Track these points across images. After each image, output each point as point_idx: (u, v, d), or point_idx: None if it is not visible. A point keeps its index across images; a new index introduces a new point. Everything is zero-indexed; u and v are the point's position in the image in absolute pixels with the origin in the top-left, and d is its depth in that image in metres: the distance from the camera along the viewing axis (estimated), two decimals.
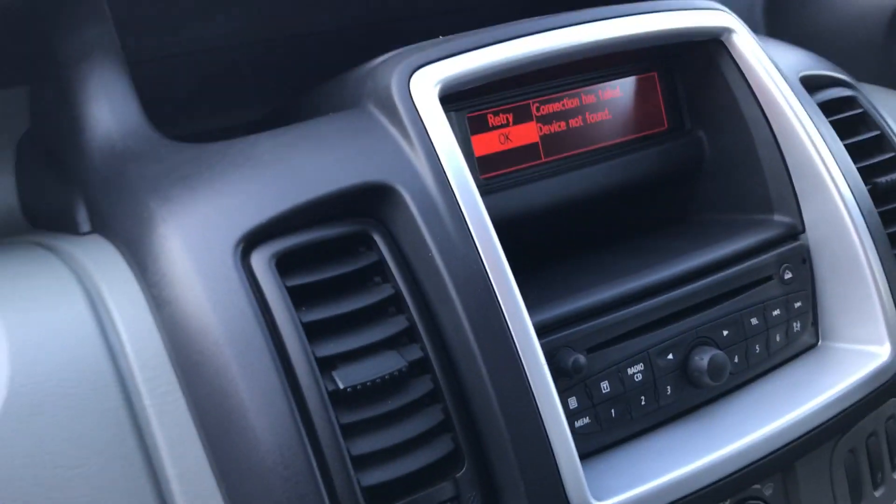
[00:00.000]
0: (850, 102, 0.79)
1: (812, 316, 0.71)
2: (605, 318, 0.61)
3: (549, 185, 0.70)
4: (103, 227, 0.61)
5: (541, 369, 0.54)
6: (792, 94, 0.71)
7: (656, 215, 0.80)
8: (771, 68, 0.71)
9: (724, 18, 0.72)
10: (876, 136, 0.79)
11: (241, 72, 0.84)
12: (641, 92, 0.75)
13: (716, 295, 0.66)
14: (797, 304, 0.70)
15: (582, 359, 0.58)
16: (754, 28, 0.98)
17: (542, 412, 0.53)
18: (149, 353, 0.53)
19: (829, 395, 0.65)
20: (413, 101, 0.57)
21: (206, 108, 0.83)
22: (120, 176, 0.60)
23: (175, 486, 0.51)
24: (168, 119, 0.72)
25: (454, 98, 0.63)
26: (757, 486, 0.67)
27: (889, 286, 0.69)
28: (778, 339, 0.69)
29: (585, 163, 0.71)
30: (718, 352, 0.63)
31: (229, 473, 0.51)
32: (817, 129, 0.70)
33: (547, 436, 0.53)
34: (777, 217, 0.72)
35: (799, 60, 0.80)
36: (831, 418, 0.65)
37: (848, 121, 0.78)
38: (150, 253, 0.54)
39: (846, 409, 0.65)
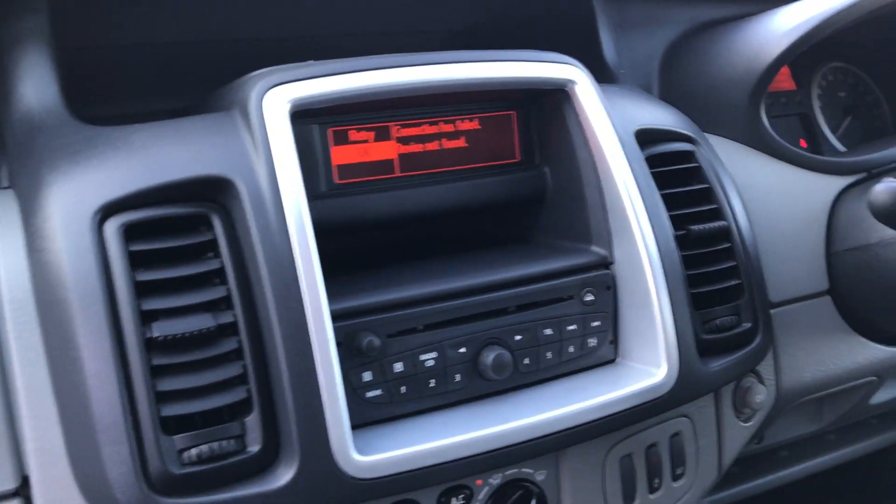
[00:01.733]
0: (685, 156, 0.91)
1: (612, 335, 0.83)
2: (407, 312, 0.73)
3: (401, 196, 0.82)
4: (15, 184, 0.75)
5: (326, 344, 0.66)
6: (617, 143, 0.82)
7: (505, 234, 0.92)
8: (603, 118, 0.83)
9: (570, 71, 0.84)
10: (703, 188, 0.90)
11: (169, 66, 0.97)
12: (499, 127, 0.87)
13: (514, 305, 0.78)
14: (595, 324, 0.82)
15: (376, 341, 0.71)
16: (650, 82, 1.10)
17: (320, 379, 0.66)
18: (18, 289, 0.67)
19: (599, 400, 0.76)
20: (263, 113, 0.70)
21: (135, 94, 0.97)
22: (30, 145, 0.73)
23: (22, 399, 0.65)
24: (96, 100, 0.86)
25: (320, 112, 0.76)
26: (529, 471, 0.79)
27: (674, 320, 0.80)
28: (571, 349, 0.81)
29: (438, 181, 0.84)
30: (504, 351, 0.75)
31: (61, 392, 0.64)
32: (634, 177, 0.82)
33: (321, 398, 0.66)
34: (594, 248, 0.84)
35: (647, 115, 0.91)
36: (598, 419, 0.76)
37: (679, 172, 0.89)
38: (33, 209, 0.68)
39: (614, 415, 0.77)
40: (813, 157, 1.04)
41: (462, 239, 0.91)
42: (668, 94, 1.10)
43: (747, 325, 0.88)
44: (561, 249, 0.86)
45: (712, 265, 0.87)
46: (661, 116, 0.93)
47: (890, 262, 0.95)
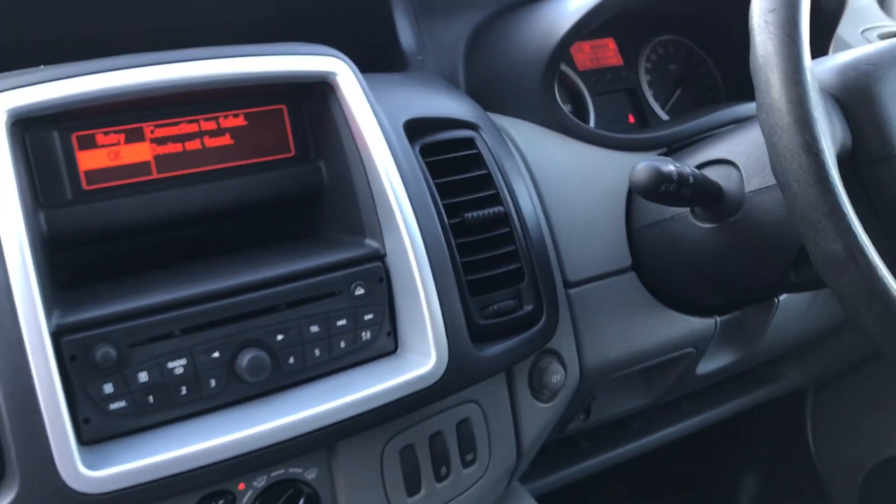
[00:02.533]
0: (464, 143, 0.90)
1: (389, 327, 0.83)
2: (150, 319, 0.71)
3: (161, 198, 0.80)
4: None
5: (46, 360, 0.65)
6: (380, 135, 0.81)
7: (291, 231, 0.91)
8: (366, 110, 0.82)
9: (331, 63, 0.82)
10: (482, 175, 0.89)
11: None
12: (270, 121, 0.85)
13: (274, 305, 0.77)
14: (368, 317, 0.81)
15: (112, 352, 0.69)
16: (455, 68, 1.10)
17: (39, 396, 0.64)
18: None
19: (364, 394, 0.76)
20: None
21: None
22: None
23: None
24: None
25: (59, 118, 0.74)
26: (298, 470, 0.78)
27: (442, 308, 0.80)
28: (343, 345, 0.80)
29: (201, 181, 0.82)
30: (260, 353, 0.74)
31: None
32: (398, 169, 0.81)
33: (41, 415, 0.64)
34: (367, 241, 0.83)
35: (424, 104, 0.91)
36: (363, 413, 0.76)
37: (458, 160, 0.89)
38: None
39: (380, 407, 0.76)
40: (610, 136, 1.04)
41: (242, 238, 0.90)
42: (473, 79, 1.09)
43: (528, 307, 0.88)
44: (338, 244, 0.85)
45: (490, 251, 0.87)
46: (441, 104, 0.93)
47: (682, 235, 0.96)
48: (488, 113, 1.04)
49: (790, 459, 1.82)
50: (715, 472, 1.87)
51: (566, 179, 1.01)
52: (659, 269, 1.02)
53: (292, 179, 0.86)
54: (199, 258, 0.83)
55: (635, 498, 1.84)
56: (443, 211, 0.85)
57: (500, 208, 0.88)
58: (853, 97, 0.75)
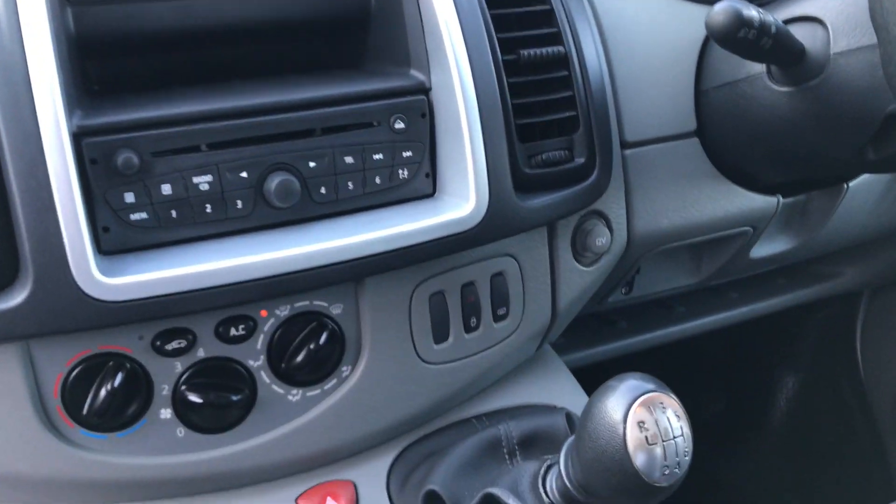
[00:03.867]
0: None
1: (429, 168, 0.78)
2: (177, 129, 0.67)
3: (195, 5, 0.75)
4: None
5: (63, 158, 0.61)
6: None
7: (334, 60, 0.85)
8: None
9: None
10: (544, 10, 0.82)
11: None
12: None
13: (308, 129, 0.72)
14: (407, 154, 0.76)
15: (134, 158, 0.66)
16: None
17: (55, 195, 0.61)
18: None
19: (397, 230, 0.72)
20: None
21: None
22: None
23: None
24: None
25: None
26: (322, 303, 0.75)
27: (486, 151, 0.74)
28: (378, 181, 0.75)
29: None
30: (290, 177, 0.70)
31: None
32: None
33: (56, 215, 0.61)
34: (412, 72, 0.77)
35: None
36: (394, 250, 0.72)
37: None
38: None
39: (418, 245, 0.72)
40: None
41: (281, 63, 0.84)
42: None
43: (580, 160, 0.82)
44: (381, 74, 0.79)
45: (544, 94, 0.80)
46: None
47: (755, 98, 0.88)
48: None
49: (834, 363, 1.77)
50: (754, 367, 1.82)
51: (636, 30, 0.92)
52: (725, 137, 0.94)
53: (337, 1, 0.80)
54: (235, 78, 0.79)
55: (669, 383, 1.82)
56: (497, 46, 0.78)
57: (560, 48, 0.81)
58: None
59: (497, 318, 0.84)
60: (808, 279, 1.47)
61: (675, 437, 0.57)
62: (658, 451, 0.56)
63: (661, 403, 0.58)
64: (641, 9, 0.93)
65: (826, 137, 0.86)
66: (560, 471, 0.65)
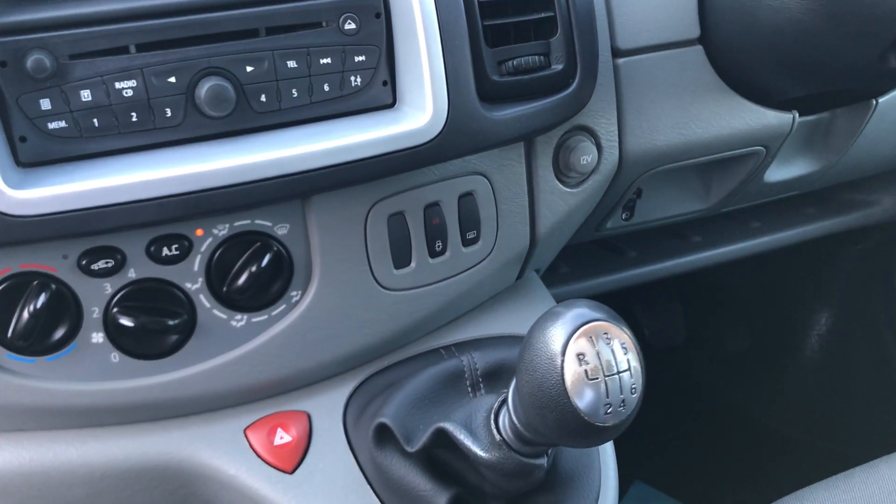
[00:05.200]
0: None
1: (387, 75, 0.70)
2: (97, 29, 0.61)
3: None
4: None
5: None
6: None
7: None
8: None
9: None
10: None
11: None
12: None
13: (241, 29, 0.65)
14: (359, 58, 0.69)
15: (47, 61, 0.60)
16: None
17: None
18: None
19: (341, 143, 0.65)
20: None
21: None
22: None
23: None
24: None
25: None
26: (266, 223, 0.69)
27: (444, 55, 0.67)
28: (327, 88, 0.68)
29: None
30: (223, 82, 0.64)
31: None
32: None
33: None
34: None
35: None
36: (346, 163, 0.65)
37: None
38: None
39: (367, 159, 0.66)
40: None
41: None
42: None
43: (557, 67, 0.74)
44: None
45: None
46: None
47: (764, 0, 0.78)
48: None
49: (870, 299, 1.67)
50: (783, 301, 1.73)
51: None
52: (732, 45, 0.85)
53: None
54: None
55: (688, 316, 1.74)
56: None
57: None
58: None
59: (466, 243, 0.78)
60: (839, 208, 1.36)
61: (619, 372, 0.50)
62: (600, 387, 0.50)
63: (606, 334, 0.51)
64: None
65: (842, 42, 0.77)
66: (508, 406, 0.59)
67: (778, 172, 1.02)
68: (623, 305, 1.55)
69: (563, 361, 0.50)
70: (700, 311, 1.74)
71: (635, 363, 0.51)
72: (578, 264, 1.22)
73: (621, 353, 0.51)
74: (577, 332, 0.50)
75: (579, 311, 0.52)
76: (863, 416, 1.63)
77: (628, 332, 0.52)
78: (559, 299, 1.21)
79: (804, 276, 1.68)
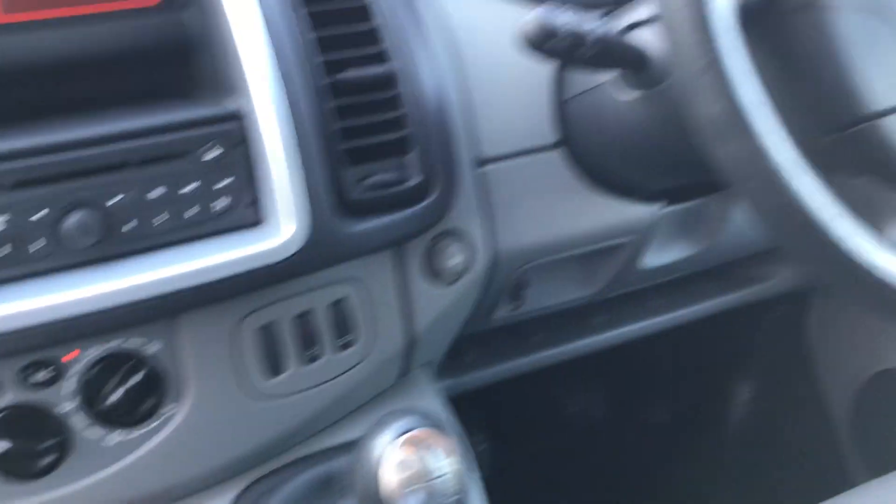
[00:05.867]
0: None
1: (252, 196, 0.75)
2: None
3: (7, 43, 0.73)
4: None
5: None
6: None
7: (158, 91, 0.82)
8: None
9: None
10: (369, 29, 0.79)
11: None
12: None
13: (109, 163, 0.70)
14: (223, 183, 0.74)
15: None
16: None
17: None
18: None
19: (208, 262, 0.69)
20: None
21: None
22: None
23: None
24: None
25: None
26: (138, 342, 0.73)
27: (303, 177, 0.72)
28: (193, 212, 0.73)
29: (54, 27, 0.74)
30: (88, 213, 0.68)
31: None
32: (262, 18, 0.72)
33: None
34: (228, 99, 0.75)
35: None
36: (209, 283, 0.69)
37: (343, 11, 0.79)
38: None
39: (230, 278, 0.70)
40: None
41: (101, 98, 0.82)
42: None
43: (414, 181, 0.79)
44: (196, 102, 0.77)
45: (372, 115, 0.78)
46: None
47: (606, 107, 0.85)
48: None
49: (788, 367, 1.73)
50: (704, 373, 1.78)
51: (491, 40, 0.90)
52: (589, 147, 0.91)
53: (154, 31, 0.78)
54: (47, 115, 0.77)
55: (609, 392, 1.78)
56: (318, 68, 0.76)
57: (386, 67, 0.78)
58: None
59: (341, 347, 0.82)
60: (739, 283, 1.43)
61: (438, 478, 0.54)
62: (419, 494, 0.54)
63: (426, 441, 0.55)
64: (496, 16, 0.91)
65: (681, 143, 0.83)
66: None
67: (657, 258, 1.08)
68: (542, 385, 1.59)
69: (382, 470, 0.53)
70: (623, 385, 1.78)
71: (455, 467, 0.55)
72: (486, 351, 1.26)
73: (440, 460, 0.54)
74: (397, 441, 0.54)
75: (401, 422, 0.56)
76: (786, 485, 1.67)
77: (450, 438, 0.56)
78: (465, 388, 1.25)
79: (723, 348, 1.74)
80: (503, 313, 1.06)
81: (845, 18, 0.61)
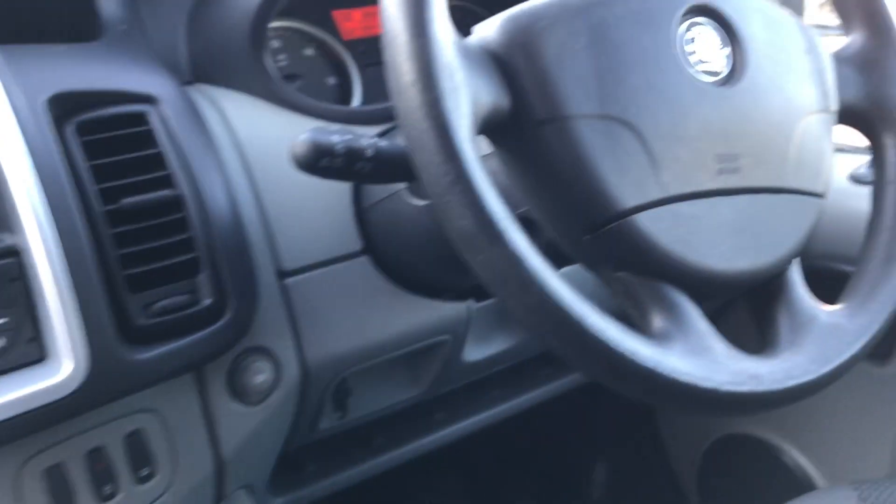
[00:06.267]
0: (133, 119, 0.80)
1: (32, 332, 0.72)
2: None
3: None
4: None
5: None
6: (9, 114, 0.71)
7: None
8: None
9: None
10: (152, 154, 0.80)
11: None
12: None
13: None
14: (1, 321, 0.71)
15: None
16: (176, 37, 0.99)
17: None
18: None
19: None
20: None
21: None
22: None
23: None
24: None
25: None
26: None
27: (81, 309, 0.70)
28: None
29: None
30: None
31: None
32: (28, 151, 0.71)
33: None
34: (2, 234, 0.73)
35: (87, 76, 0.80)
36: None
37: (124, 138, 0.79)
38: None
39: (6, 421, 0.67)
40: (334, 108, 0.95)
41: None
42: (195, 50, 0.99)
43: (206, 302, 0.79)
44: None
45: (156, 240, 0.77)
46: (114, 77, 0.82)
47: (401, 213, 0.88)
48: (204, 85, 0.95)
49: (638, 445, 1.78)
50: (563, 452, 1.81)
51: (284, 156, 0.91)
52: (391, 253, 0.93)
53: None
54: None
55: (472, 480, 1.78)
56: (95, 197, 0.75)
57: (170, 191, 0.78)
58: (514, 54, 0.66)
59: (140, 480, 0.79)
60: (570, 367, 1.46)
61: None
62: None
63: None
64: (287, 132, 0.92)
65: None
66: None
67: (478, 352, 1.10)
68: (395, 486, 1.57)
69: None
70: (484, 472, 1.78)
71: None
72: (327, 460, 1.24)
73: None
74: None
75: None
76: None
77: None
78: (311, 500, 1.21)
79: (575, 426, 1.77)
80: (330, 423, 1.04)
81: (589, 126, 0.66)
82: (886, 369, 1.27)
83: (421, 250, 0.91)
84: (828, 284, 0.81)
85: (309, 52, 1.13)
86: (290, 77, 1.09)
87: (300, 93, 1.04)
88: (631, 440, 1.77)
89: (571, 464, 1.80)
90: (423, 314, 0.97)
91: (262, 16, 0.91)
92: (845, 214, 0.82)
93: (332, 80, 1.12)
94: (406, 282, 0.96)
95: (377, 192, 0.92)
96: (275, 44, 1.09)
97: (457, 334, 1.03)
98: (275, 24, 1.09)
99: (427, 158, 0.59)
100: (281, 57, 1.10)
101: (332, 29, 1.13)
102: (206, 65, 0.97)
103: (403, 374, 1.09)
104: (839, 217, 1.30)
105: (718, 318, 1.45)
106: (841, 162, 1.34)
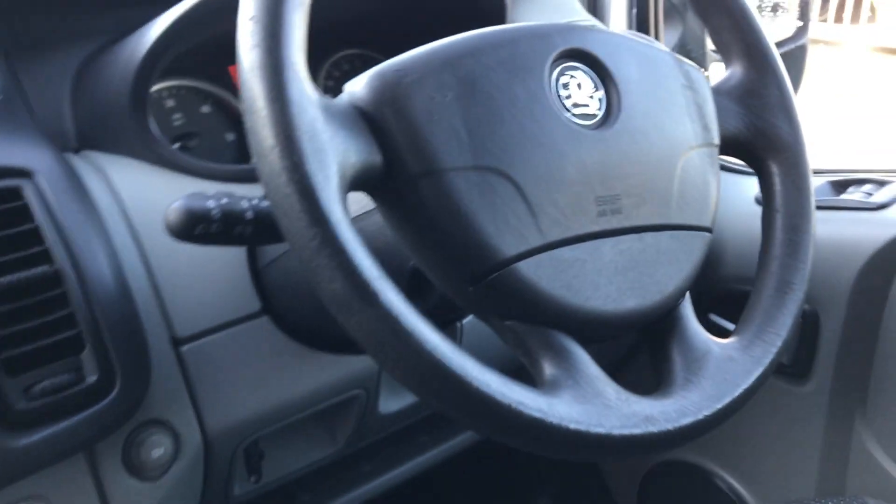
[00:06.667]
0: (7, 195, 0.77)
1: None
2: None
3: None
4: None
5: None
6: None
7: None
8: None
9: None
10: (27, 230, 0.77)
11: None
12: None
13: None
14: None
15: None
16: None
17: None
18: None
19: None
20: None
21: None
22: None
23: None
24: None
25: None
26: None
27: None
28: None
29: None
30: None
31: None
32: None
33: None
34: None
35: None
36: None
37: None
38: None
39: None
40: (223, 168, 0.93)
41: None
42: (80, 116, 0.96)
43: (91, 379, 0.76)
44: None
45: (34, 319, 0.74)
46: None
47: (295, 271, 0.86)
48: (90, 152, 0.92)
49: (579, 470, 1.77)
50: (511, 492, 1.79)
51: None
52: (292, 310, 0.91)
53: None
54: None
55: None
56: None
57: (48, 267, 0.76)
58: (382, 110, 0.65)
59: None
60: None
61: None
62: None
63: None
64: (175, 195, 0.90)
65: None
66: None
67: (394, 403, 1.09)
68: None
69: None
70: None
71: None
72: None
73: None
74: None
75: None
76: None
77: None
78: None
79: (518, 460, 1.76)
80: (245, 488, 1.01)
81: (464, 178, 0.65)
82: (806, 387, 1.28)
83: (320, 307, 0.89)
84: (741, 308, 0.81)
85: (206, 109, 1.11)
86: (187, 136, 1.07)
87: (196, 151, 1.02)
88: (571, 470, 1.76)
89: (517, 497, 1.79)
90: (330, 370, 0.96)
91: (142, 79, 0.89)
92: (755, 237, 0.82)
93: (230, 137, 1.11)
94: (309, 339, 0.94)
95: (272, 250, 0.91)
96: (169, 103, 1.08)
97: (369, 388, 1.01)
98: (168, 83, 1.07)
99: (292, 224, 0.57)
100: (177, 116, 1.08)
101: (229, 85, 1.12)
102: (92, 131, 0.94)
103: (318, 431, 1.07)
104: (748, 240, 1.32)
105: (627, 362, 1.47)
106: (747, 184, 1.37)
